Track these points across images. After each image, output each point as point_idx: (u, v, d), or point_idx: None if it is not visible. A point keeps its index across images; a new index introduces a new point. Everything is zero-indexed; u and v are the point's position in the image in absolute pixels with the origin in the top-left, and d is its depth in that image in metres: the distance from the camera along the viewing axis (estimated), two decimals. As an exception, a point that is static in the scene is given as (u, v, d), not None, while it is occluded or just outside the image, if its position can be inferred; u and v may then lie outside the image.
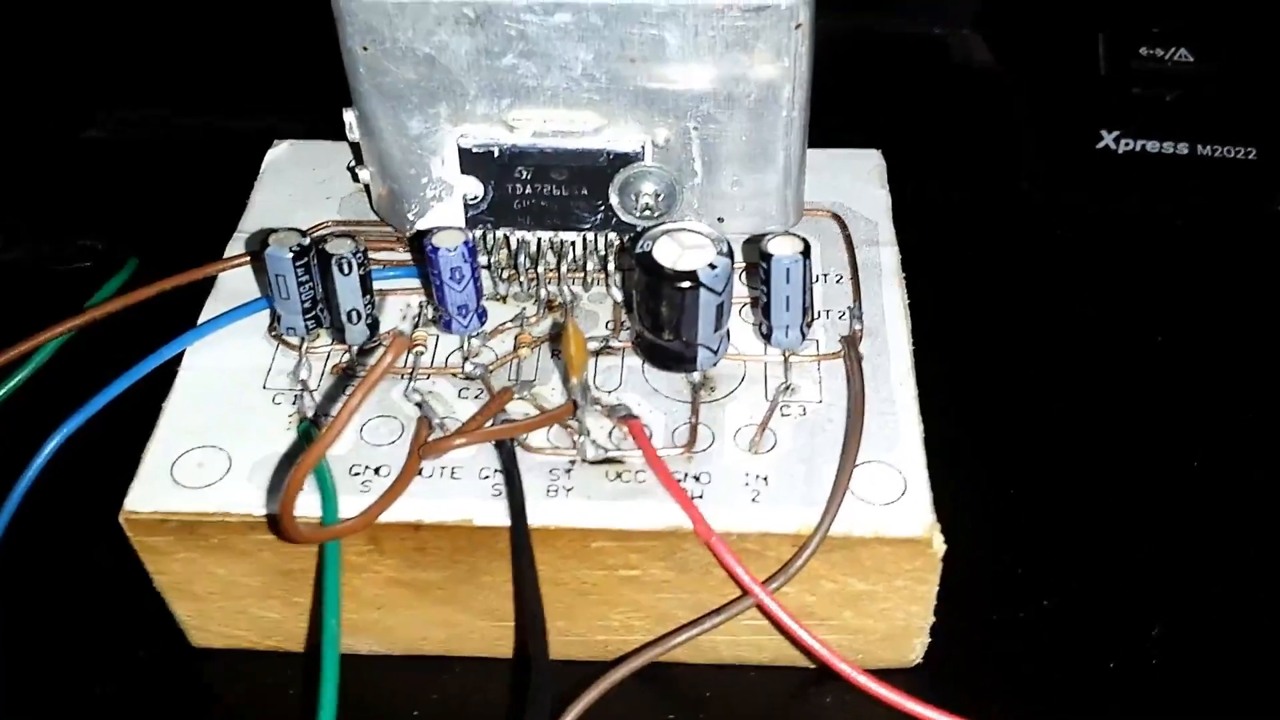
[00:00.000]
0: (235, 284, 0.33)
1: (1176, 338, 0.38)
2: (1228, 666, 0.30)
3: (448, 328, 0.30)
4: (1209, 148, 0.45)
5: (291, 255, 0.29)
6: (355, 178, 0.34)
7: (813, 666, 0.30)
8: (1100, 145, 0.45)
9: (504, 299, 0.32)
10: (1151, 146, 0.45)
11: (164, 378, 0.31)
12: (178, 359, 0.31)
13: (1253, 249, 0.42)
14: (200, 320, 0.32)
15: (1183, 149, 0.45)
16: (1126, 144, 0.45)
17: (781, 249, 0.29)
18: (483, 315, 0.31)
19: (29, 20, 0.54)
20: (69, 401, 0.30)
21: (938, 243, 0.39)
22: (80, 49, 0.53)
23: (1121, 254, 0.42)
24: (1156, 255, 0.42)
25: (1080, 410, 0.36)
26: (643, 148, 0.30)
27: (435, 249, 0.29)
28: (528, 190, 0.31)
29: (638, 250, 0.29)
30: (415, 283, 0.32)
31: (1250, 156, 0.44)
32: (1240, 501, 0.34)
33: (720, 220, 0.32)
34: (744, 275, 0.32)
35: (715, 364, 0.30)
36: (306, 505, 0.27)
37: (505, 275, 0.32)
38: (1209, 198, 0.44)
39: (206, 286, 0.33)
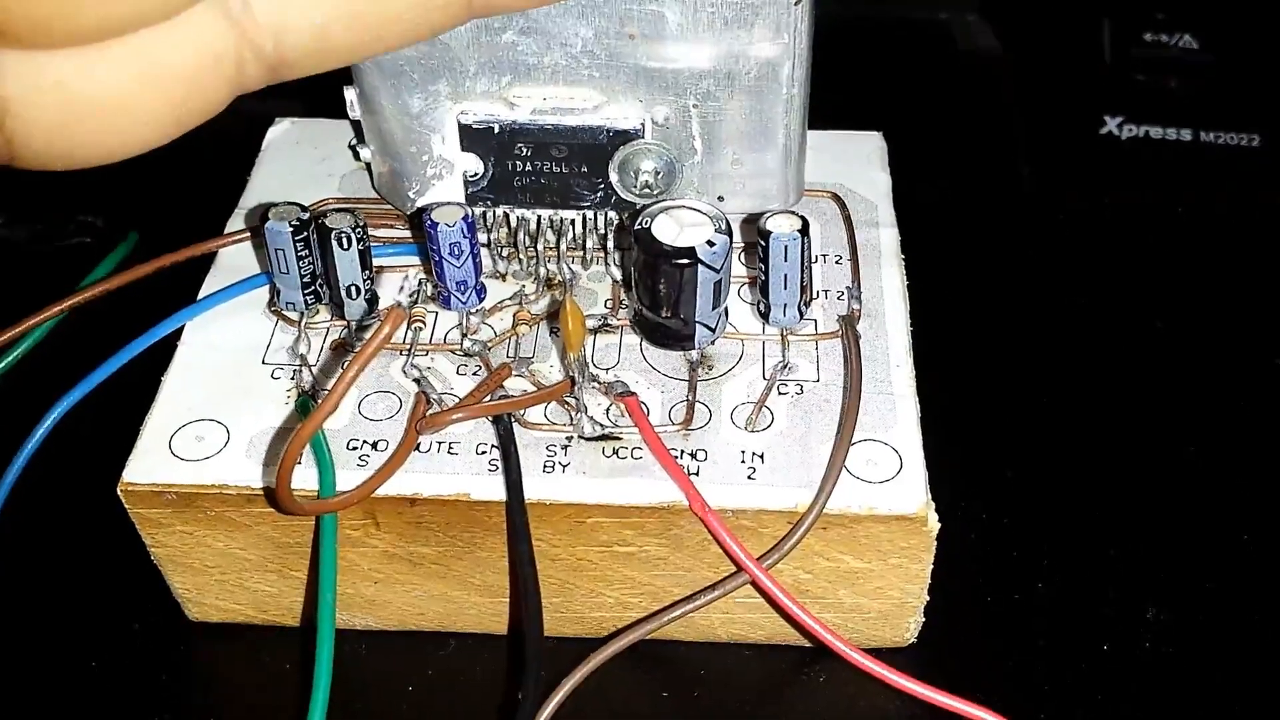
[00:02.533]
0: (235, 260, 0.33)
1: (1176, 324, 0.38)
2: (1222, 650, 0.30)
3: (446, 304, 0.30)
4: (1212, 135, 0.45)
5: (291, 230, 0.29)
6: (356, 156, 0.34)
7: (808, 645, 0.30)
8: (1103, 131, 0.45)
9: (503, 276, 0.32)
10: (1155, 133, 0.45)
11: (163, 353, 0.31)
12: (177, 334, 0.31)
13: (1255, 236, 0.42)
14: (200, 295, 0.32)
15: (1186, 136, 0.45)
16: (1130, 130, 0.45)
17: (780, 226, 0.29)
18: (481, 292, 0.31)
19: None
20: (68, 376, 0.30)
21: (938, 226, 0.39)
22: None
23: (1123, 240, 0.42)
24: (1158, 242, 0.42)
25: (1077, 394, 0.36)
26: (642, 125, 0.30)
27: (434, 224, 0.29)
28: (528, 168, 0.31)
29: (636, 227, 0.29)
30: (415, 259, 0.33)
31: (1254, 144, 0.44)
32: (1236, 487, 0.34)
33: (720, 199, 0.32)
34: (743, 255, 0.32)
35: (713, 342, 0.30)
36: (304, 479, 0.27)
37: (505, 253, 0.32)
38: (1212, 185, 0.44)
39: (206, 262, 0.33)
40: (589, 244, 0.32)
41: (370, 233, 0.30)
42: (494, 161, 0.31)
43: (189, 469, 0.28)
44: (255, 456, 0.28)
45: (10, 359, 0.35)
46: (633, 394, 0.29)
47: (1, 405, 0.33)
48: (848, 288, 0.32)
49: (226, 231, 0.34)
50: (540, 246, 0.32)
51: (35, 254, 0.41)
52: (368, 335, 0.29)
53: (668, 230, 0.28)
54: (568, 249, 0.32)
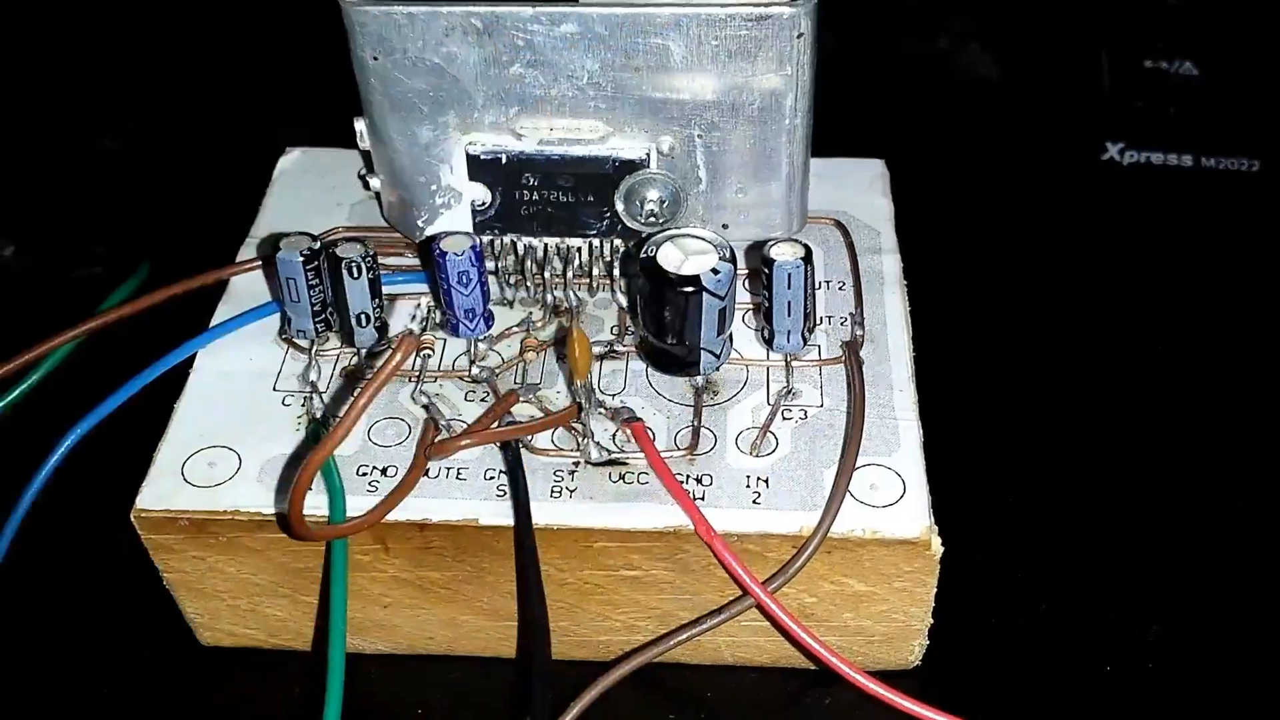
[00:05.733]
0: (247, 288, 0.33)
1: (1177, 347, 0.39)
2: (1223, 670, 0.30)
3: (455, 331, 0.31)
4: (1212, 160, 0.45)
5: (302, 259, 0.30)
6: (366, 185, 0.35)
7: (813, 668, 0.30)
8: (1104, 157, 0.45)
9: (511, 304, 0.33)
10: (1155, 158, 0.45)
11: (176, 380, 0.31)
12: (189, 361, 0.31)
13: (1254, 259, 0.42)
14: (212, 324, 0.32)
15: (1186, 161, 0.45)
16: (1130, 156, 0.45)
17: (783, 254, 0.29)
18: (489, 319, 0.31)
19: (44, 33, 0.55)
20: (83, 403, 0.30)
21: (941, 252, 0.39)
22: (94, 61, 0.53)
23: (1124, 265, 0.42)
24: (1158, 265, 0.42)
25: (1079, 418, 0.36)
26: (648, 155, 0.31)
27: (443, 253, 0.29)
28: (535, 197, 0.32)
29: (642, 255, 0.29)
30: (423, 287, 0.33)
31: (1253, 168, 0.45)
32: (1236, 508, 0.34)
33: (725, 227, 0.32)
34: (747, 282, 0.33)
35: (718, 368, 0.30)
36: (315, 505, 0.28)
37: (512, 280, 0.33)
38: (1212, 209, 0.44)
39: (218, 291, 0.33)
40: (595, 271, 0.33)
41: (380, 261, 0.31)
42: (501, 191, 0.32)
43: (201, 495, 0.28)
44: (267, 483, 0.28)
45: (25, 386, 0.35)
46: (639, 420, 0.29)
47: (16, 432, 0.33)
48: (851, 314, 0.32)
49: (238, 260, 0.34)
50: (547, 274, 0.33)
51: (47, 284, 0.42)
52: (378, 363, 0.30)
53: (673, 258, 0.29)
54: (574, 277, 0.33)
